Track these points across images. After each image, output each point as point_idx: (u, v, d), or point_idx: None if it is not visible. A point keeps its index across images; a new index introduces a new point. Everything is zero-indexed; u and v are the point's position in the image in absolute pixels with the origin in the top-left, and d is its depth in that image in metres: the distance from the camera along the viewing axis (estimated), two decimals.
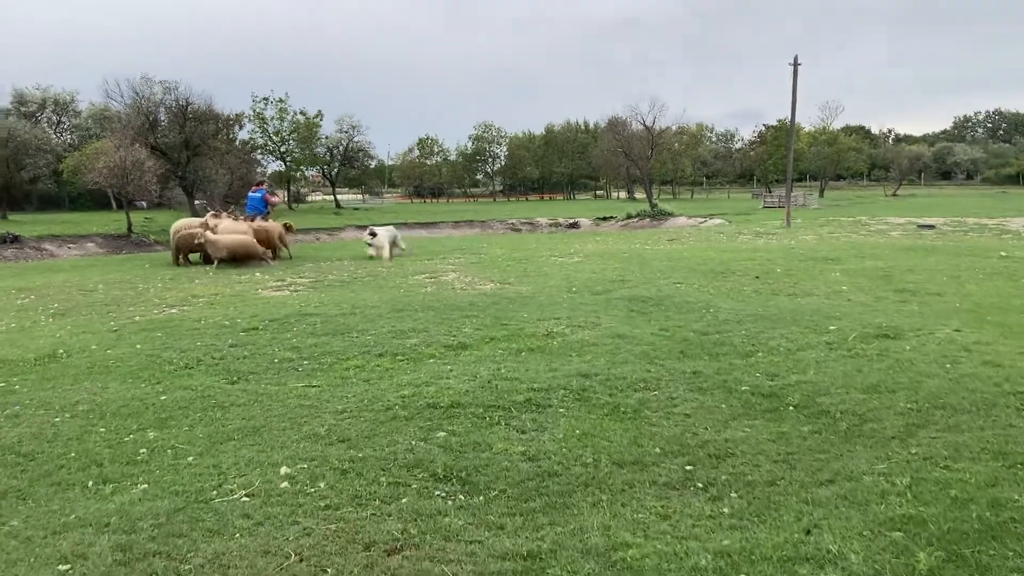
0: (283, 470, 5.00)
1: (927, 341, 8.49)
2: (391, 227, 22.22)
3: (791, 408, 6.30)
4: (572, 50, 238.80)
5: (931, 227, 27.45)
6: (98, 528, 4.21)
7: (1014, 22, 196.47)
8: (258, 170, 54.10)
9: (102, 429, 5.94)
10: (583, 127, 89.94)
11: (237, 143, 52.82)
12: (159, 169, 34.65)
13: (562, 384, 6.93)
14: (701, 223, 37.93)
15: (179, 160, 37.78)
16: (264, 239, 20.33)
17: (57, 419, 6.23)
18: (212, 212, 22.75)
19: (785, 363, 7.73)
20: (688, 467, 5.10)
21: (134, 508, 4.46)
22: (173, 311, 11.66)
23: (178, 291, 13.96)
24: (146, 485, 4.82)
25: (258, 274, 16.82)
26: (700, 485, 4.83)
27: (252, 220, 21.89)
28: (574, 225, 43.72)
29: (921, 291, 12.21)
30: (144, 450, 5.45)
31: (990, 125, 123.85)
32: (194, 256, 20.39)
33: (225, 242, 18.93)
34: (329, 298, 12.49)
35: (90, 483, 4.89)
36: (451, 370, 7.52)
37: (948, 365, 7.45)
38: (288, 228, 22.49)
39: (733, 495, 4.67)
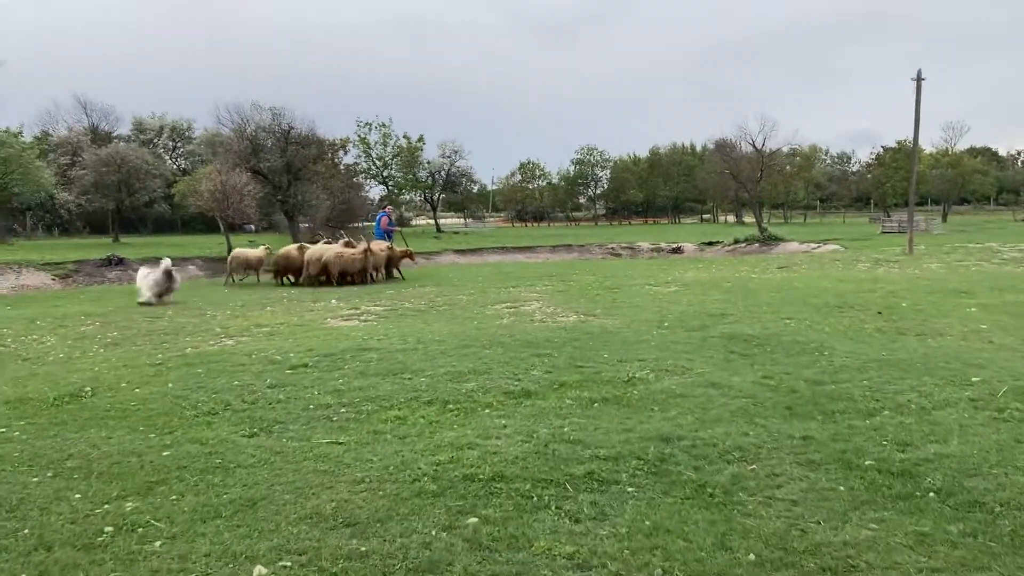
0: (258, 570, 3.89)
1: None
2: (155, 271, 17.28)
3: (931, 495, 4.80)
4: (679, 71, 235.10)
5: None
6: None
7: None
8: (377, 192, 55.07)
9: (78, 495, 4.98)
10: (689, 149, 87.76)
11: (341, 168, 53.46)
12: (259, 193, 34.96)
13: (636, 451, 5.61)
14: (814, 249, 35.56)
15: (280, 184, 38.05)
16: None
17: (35, 479, 5.32)
18: (325, 239, 24.14)
19: (919, 427, 6.18)
20: None
21: None
22: (229, 342, 10.89)
23: (244, 319, 13.28)
24: None
25: (334, 301, 16.09)
26: None
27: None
28: (677, 250, 41.81)
29: None
30: (110, 528, 4.45)
31: None
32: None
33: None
34: (396, 329, 11.51)
35: None
36: (505, 426, 6.31)
37: None
38: (410, 256, 24.89)
39: None
